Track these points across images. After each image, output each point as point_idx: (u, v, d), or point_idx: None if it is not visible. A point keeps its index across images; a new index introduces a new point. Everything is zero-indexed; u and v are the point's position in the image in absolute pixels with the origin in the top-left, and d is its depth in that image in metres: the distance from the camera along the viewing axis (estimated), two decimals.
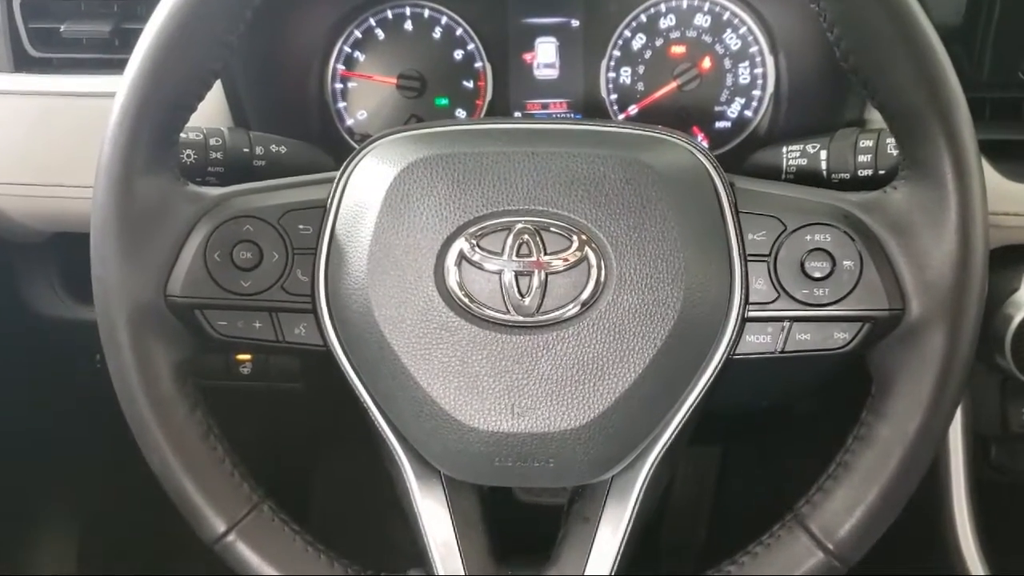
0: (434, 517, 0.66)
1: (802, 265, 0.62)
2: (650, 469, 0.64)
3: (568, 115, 1.02)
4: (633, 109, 1.00)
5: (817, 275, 0.62)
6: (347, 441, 1.30)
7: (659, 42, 0.98)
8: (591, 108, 1.01)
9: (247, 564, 0.65)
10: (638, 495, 0.65)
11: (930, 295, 0.59)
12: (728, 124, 0.99)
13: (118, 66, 0.91)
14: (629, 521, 0.65)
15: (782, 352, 0.63)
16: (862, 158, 0.74)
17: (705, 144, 1.00)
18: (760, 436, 1.33)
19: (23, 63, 0.95)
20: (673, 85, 0.98)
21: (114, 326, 0.63)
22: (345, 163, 0.66)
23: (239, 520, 0.64)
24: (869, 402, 0.63)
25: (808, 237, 0.62)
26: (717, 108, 0.99)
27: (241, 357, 1.09)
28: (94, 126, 0.88)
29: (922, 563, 0.98)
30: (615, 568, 0.64)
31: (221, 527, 0.64)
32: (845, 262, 0.61)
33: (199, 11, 0.60)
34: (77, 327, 1.09)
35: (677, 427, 0.63)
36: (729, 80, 0.99)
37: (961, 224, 0.58)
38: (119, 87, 0.61)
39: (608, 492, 0.65)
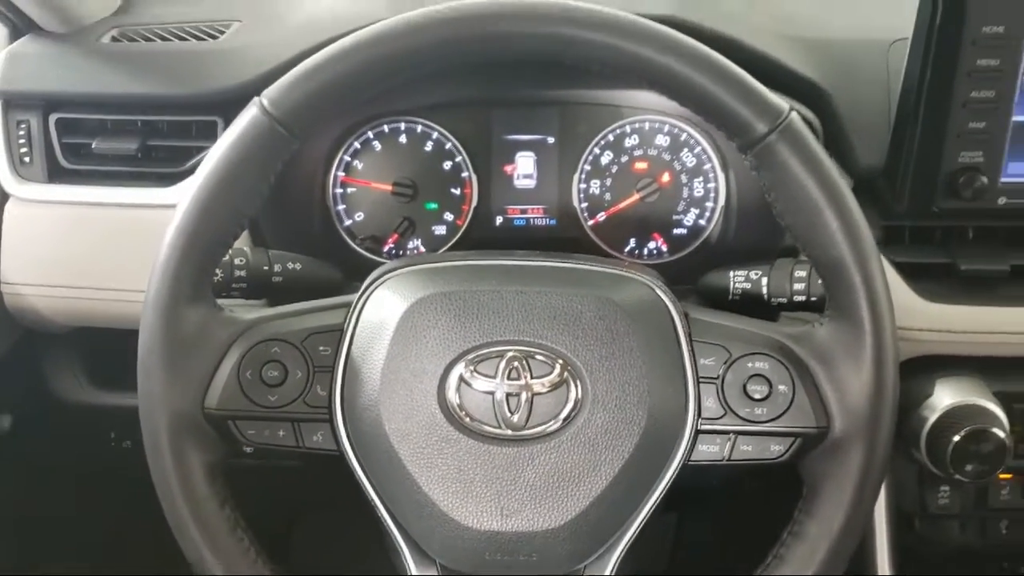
0: None
1: (744, 387, 0.73)
2: (618, 558, 0.74)
3: (544, 220, 1.11)
4: (601, 216, 1.10)
5: (757, 396, 0.73)
6: (338, 510, 1.38)
7: (624, 159, 1.09)
8: (564, 214, 1.11)
9: None
10: None
11: (850, 417, 0.71)
12: (684, 231, 1.10)
13: (142, 179, 1.02)
14: None
15: (728, 460, 0.74)
16: (797, 286, 0.87)
17: (664, 248, 1.10)
18: (713, 508, 1.43)
19: (56, 174, 1.03)
20: (636, 197, 1.08)
21: (157, 433, 0.72)
22: (359, 292, 0.76)
23: None
24: (801, 503, 0.74)
25: (749, 364, 0.73)
26: (675, 217, 1.09)
27: None
28: (121, 234, 1.00)
29: None
30: None
31: None
32: (780, 386, 0.72)
33: (238, 170, 0.70)
34: (96, 411, 1.16)
35: (641, 523, 0.73)
36: (685, 193, 1.08)
37: (875, 360, 0.69)
38: (167, 230, 0.71)
39: None
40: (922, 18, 0.87)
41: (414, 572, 0.75)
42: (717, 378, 0.74)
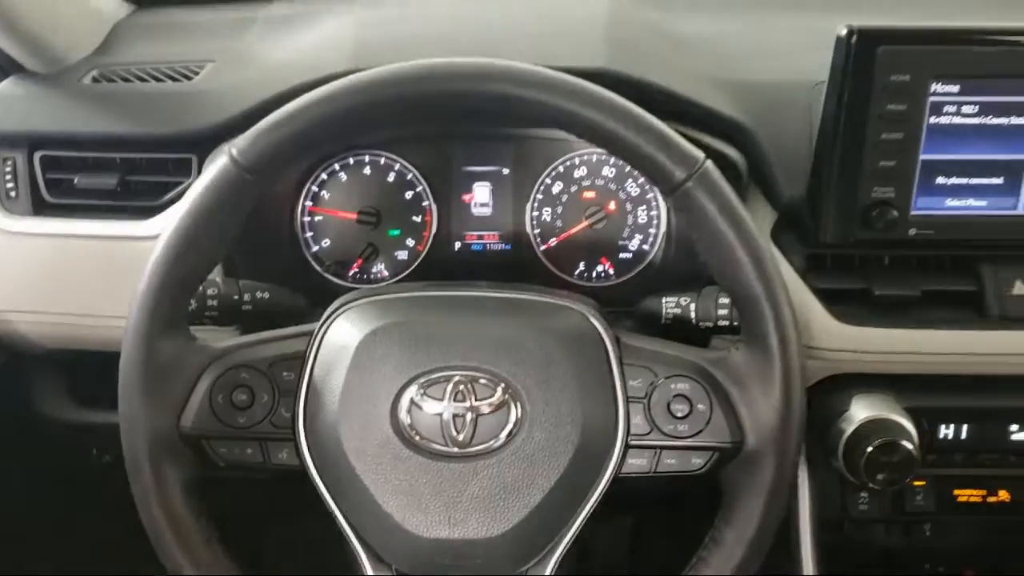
0: None
1: (668, 406, 0.81)
2: (557, 561, 0.82)
3: (500, 245, 1.18)
4: (553, 242, 1.17)
5: (679, 414, 0.81)
6: (305, 521, 1.45)
7: (574, 188, 1.16)
8: (518, 240, 1.18)
9: None
10: None
11: (761, 433, 0.79)
12: (630, 255, 1.17)
13: (122, 212, 1.08)
14: None
15: (654, 472, 0.82)
16: (722, 312, 0.95)
17: (611, 271, 1.17)
18: (668, 510, 1.52)
19: (40, 208, 1.10)
20: (585, 224, 1.15)
21: (137, 452, 0.79)
22: (320, 322, 0.84)
23: None
24: (720, 511, 0.83)
25: (673, 385, 0.81)
26: (621, 242, 1.17)
27: None
28: (102, 264, 1.07)
29: None
30: None
31: None
32: (699, 405, 0.81)
33: (210, 214, 0.78)
34: (78, 428, 1.22)
35: (577, 530, 0.81)
36: (630, 220, 1.16)
37: (783, 382, 0.78)
38: (146, 267, 0.78)
39: None
40: (836, 67, 0.95)
41: (368, 567, 0.82)
42: (644, 397, 0.82)
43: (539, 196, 1.17)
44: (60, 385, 1.25)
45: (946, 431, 1.05)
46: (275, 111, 0.78)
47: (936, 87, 0.94)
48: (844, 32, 0.93)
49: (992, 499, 1.09)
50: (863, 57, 0.93)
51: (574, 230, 1.17)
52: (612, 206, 1.16)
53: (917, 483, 1.09)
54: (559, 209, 1.18)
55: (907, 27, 0.93)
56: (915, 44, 0.93)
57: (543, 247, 1.19)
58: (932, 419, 1.05)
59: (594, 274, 1.19)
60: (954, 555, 1.22)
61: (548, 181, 1.17)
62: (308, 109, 0.77)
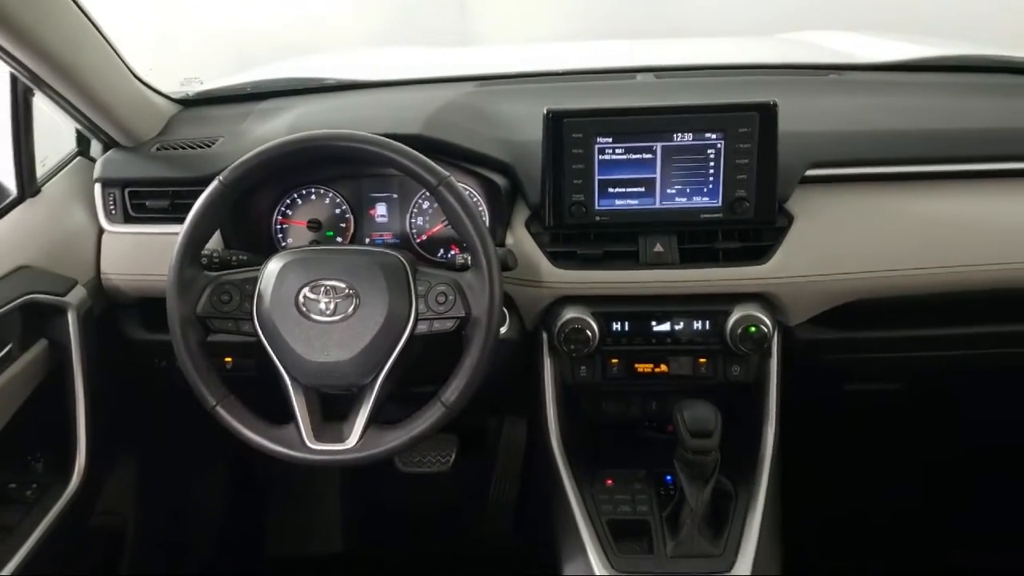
0: (298, 401, 1.58)
1: (436, 298, 1.56)
2: (383, 380, 1.56)
3: (393, 240, 1.96)
4: (424, 237, 1.94)
5: (441, 302, 1.56)
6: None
7: (436, 204, 1.93)
8: (403, 237, 1.94)
9: (227, 422, 1.60)
10: (378, 391, 1.56)
11: (480, 309, 1.53)
12: None
13: (172, 220, 1.87)
14: (373, 401, 1.57)
15: (430, 332, 1.58)
16: None
17: (458, 254, 1.97)
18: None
19: (128, 219, 1.91)
20: (441, 226, 1.94)
21: (175, 328, 1.56)
22: (264, 262, 1.63)
23: (221, 400, 1.59)
24: (461, 352, 1.59)
25: (439, 288, 1.56)
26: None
27: (227, 359, 1.94)
28: (162, 247, 1.87)
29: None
30: (367, 424, 1.56)
31: (213, 402, 1.59)
32: (450, 297, 1.55)
33: (207, 209, 1.57)
34: (148, 344, 1.98)
35: (393, 362, 1.55)
36: None
37: (489, 287, 1.52)
38: (177, 239, 1.57)
39: (365, 389, 1.58)
40: (544, 130, 1.70)
41: (290, 389, 1.57)
42: (425, 295, 1.57)
43: (414, 209, 1.95)
44: (137, 318, 2.02)
45: (616, 326, 1.77)
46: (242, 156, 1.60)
47: (599, 139, 1.71)
48: (546, 111, 1.72)
49: (658, 370, 1.81)
50: (556, 124, 1.71)
51: (435, 229, 1.95)
52: None
53: (613, 360, 1.81)
54: (427, 217, 1.96)
55: (579, 108, 1.71)
56: (583, 117, 1.71)
57: (418, 240, 1.96)
58: (608, 319, 1.76)
59: (448, 256, 1.98)
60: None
61: (420, 200, 1.95)
62: (258, 155, 1.59)
